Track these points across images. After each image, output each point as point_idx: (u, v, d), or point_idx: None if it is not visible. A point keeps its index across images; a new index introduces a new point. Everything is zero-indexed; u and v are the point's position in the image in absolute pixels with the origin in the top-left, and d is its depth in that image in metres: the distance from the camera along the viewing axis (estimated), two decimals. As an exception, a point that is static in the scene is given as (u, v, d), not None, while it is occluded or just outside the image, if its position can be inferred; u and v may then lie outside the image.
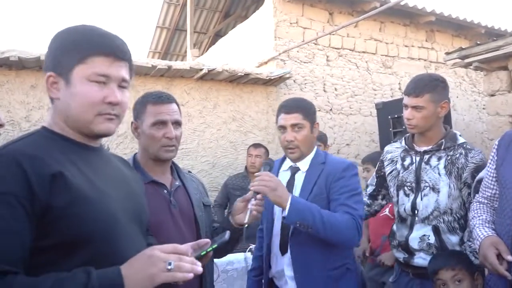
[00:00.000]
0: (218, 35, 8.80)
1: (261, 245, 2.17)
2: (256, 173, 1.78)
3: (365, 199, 2.36)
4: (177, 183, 1.72)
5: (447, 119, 3.76)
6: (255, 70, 4.90)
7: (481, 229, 1.68)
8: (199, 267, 0.97)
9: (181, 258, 0.96)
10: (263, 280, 2.09)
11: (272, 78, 4.86)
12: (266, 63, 5.42)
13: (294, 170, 2.03)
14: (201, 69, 4.45)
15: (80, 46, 1.05)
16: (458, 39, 6.67)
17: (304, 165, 2.01)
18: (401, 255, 2.13)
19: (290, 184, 1.99)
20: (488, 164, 1.79)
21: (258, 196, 1.68)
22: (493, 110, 4.21)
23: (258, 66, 5.49)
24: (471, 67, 4.29)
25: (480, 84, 6.70)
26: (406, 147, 2.17)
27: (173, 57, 9.69)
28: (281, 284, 1.99)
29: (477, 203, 1.83)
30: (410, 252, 2.07)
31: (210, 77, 4.66)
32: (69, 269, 0.93)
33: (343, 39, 5.74)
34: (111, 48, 1.07)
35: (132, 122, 1.71)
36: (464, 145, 2.05)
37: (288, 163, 2.08)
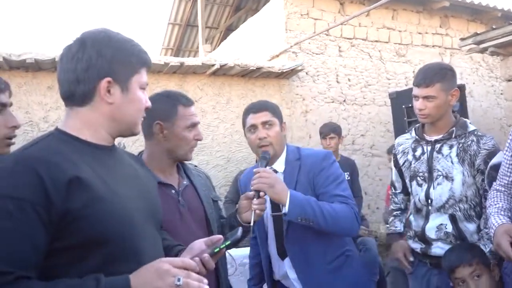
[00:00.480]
0: (229, 29, 8.80)
1: (256, 253, 2.18)
2: (255, 169, 1.76)
3: (398, 197, 2.34)
4: (185, 182, 1.72)
5: (462, 107, 3.71)
6: (267, 63, 4.90)
7: (496, 217, 1.68)
8: (205, 286, 0.98)
9: (189, 275, 0.97)
10: (265, 286, 2.11)
11: (284, 71, 4.85)
12: (278, 56, 5.41)
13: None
14: (213, 65, 4.47)
15: (137, 58, 1.16)
16: (474, 23, 6.53)
17: (279, 165, 1.98)
18: (418, 246, 2.13)
19: None
20: (504, 151, 1.77)
21: (261, 193, 1.66)
22: (511, 95, 4.13)
23: (270, 59, 5.49)
24: (487, 52, 4.21)
25: (497, 69, 6.55)
26: (417, 137, 2.17)
27: (186, 53, 9.74)
28: (289, 284, 2.01)
29: (494, 191, 1.82)
30: (427, 242, 2.07)
31: (222, 72, 4.68)
32: (86, 270, 0.96)
33: (355, 29, 5.69)
34: (149, 60, 1.21)
35: (156, 124, 1.65)
36: (475, 132, 2.05)
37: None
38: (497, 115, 6.57)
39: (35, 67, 3.89)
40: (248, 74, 4.82)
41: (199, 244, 1.27)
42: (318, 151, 2.12)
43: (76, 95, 1.11)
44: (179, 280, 0.94)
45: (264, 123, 1.93)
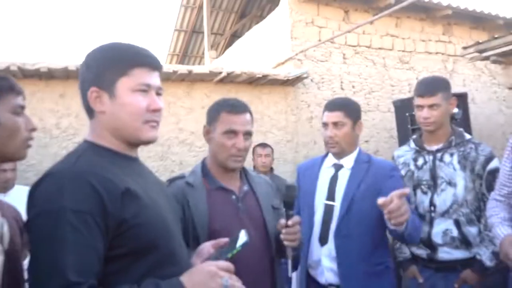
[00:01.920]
0: (234, 36, 8.92)
1: None
2: (292, 222, 1.56)
3: None
4: (245, 188, 1.70)
5: (464, 114, 3.79)
6: (273, 71, 5.00)
7: (501, 228, 1.74)
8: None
9: (231, 277, 1.04)
10: (298, 267, 2.07)
11: (290, 78, 4.94)
12: (283, 63, 5.50)
13: (338, 167, 2.10)
14: (220, 73, 4.57)
15: (121, 61, 1.11)
16: (476, 31, 6.61)
17: (348, 162, 2.08)
18: (423, 252, 2.20)
19: (334, 180, 2.07)
20: (503, 161, 1.83)
21: (289, 222, 1.56)
22: (512, 103, 4.20)
23: (275, 66, 5.58)
24: (489, 60, 4.29)
25: (500, 76, 6.63)
26: (417, 148, 2.28)
27: (191, 59, 9.85)
28: (316, 274, 2.04)
29: (494, 201, 1.88)
30: (433, 247, 2.16)
31: (229, 79, 4.78)
32: (136, 276, 1.03)
33: (359, 37, 5.77)
34: (147, 59, 1.14)
35: (204, 126, 1.71)
36: (472, 140, 2.21)
37: (331, 160, 2.14)
38: (499, 121, 6.63)
39: (48, 75, 4.00)
40: (254, 81, 4.92)
41: (207, 247, 1.31)
42: (387, 161, 2.27)
43: (84, 108, 1.18)
44: (226, 281, 1.01)
45: (334, 124, 2.03)
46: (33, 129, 1.16)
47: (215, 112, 1.67)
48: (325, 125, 2.07)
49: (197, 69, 4.50)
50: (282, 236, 1.55)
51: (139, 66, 1.12)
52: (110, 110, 1.11)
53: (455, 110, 3.76)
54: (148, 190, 1.14)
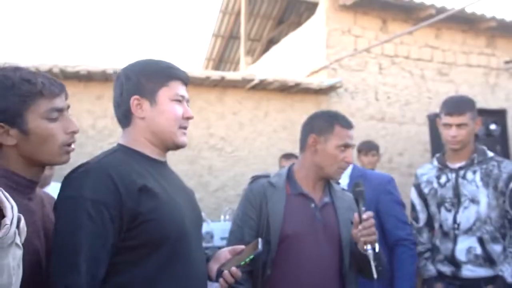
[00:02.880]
0: (271, 42, 8.94)
1: None
2: (367, 215, 1.56)
3: (424, 236, 2.34)
4: (326, 199, 1.74)
5: (503, 130, 3.64)
6: (306, 79, 4.98)
7: None
8: None
9: None
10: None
11: (323, 87, 4.91)
12: (317, 71, 5.47)
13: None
14: (253, 80, 4.59)
15: (161, 73, 1.27)
16: (523, 44, 6.33)
17: (343, 179, 2.17)
18: (447, 269, 2.22)
19: None
20: None
21: (364, 216, 1.55)
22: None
23: (309, 75, 5.55)
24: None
25: (546, 92, 6.31)
26: (440, 166, 2.32)
27: (227, 64, 9.96)
28: None
29: None
30: (457, 264, 2.18)
31: (261, 87, 4.80)
32: (148, 268, 1.12)
33: (396, 47, 5.66)
34: (182, 74, 1.31)
35: (311, 136, 1.73)
36: (495, 158, 2.25)
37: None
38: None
39: (87, 77, 4.17)
40: (287, 89, 4.92)
41: (225, 253, 1.38)
42: (382, 174, 2.44)
43: (120, 117, 1.30)
44: None
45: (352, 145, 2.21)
46: (74, 132, 1.15)
47: (327, 124, 1.72)
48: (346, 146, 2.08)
49: (229, 75, 4.56)
50: (358, 233, 1.53)
51: (175, 79, 1.28)
52: (150, 116, 1.25)
53: (493, 126, 3.63)
54: (169, 191, 1.23)
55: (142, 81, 1.25)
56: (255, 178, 1.81)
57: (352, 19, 5.52)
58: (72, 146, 1.16)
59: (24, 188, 1.08)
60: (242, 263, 1.28)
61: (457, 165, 2.25)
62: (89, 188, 1.09)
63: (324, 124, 1.73)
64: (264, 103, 4.96)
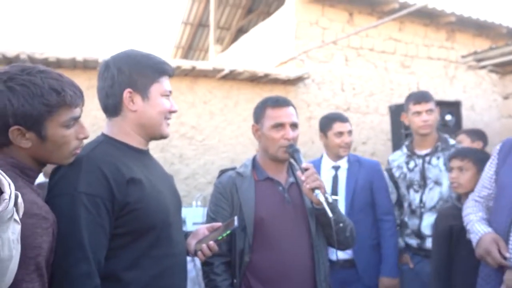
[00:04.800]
0: (240, 31, 8.99)
1: None
2: (305, 165, 1.68)
3: (394, 212, 2.61)
4: (291, 179, 1.81)
5: (457, 121, 3.90)
6: (275, 70, 5.10)
7: (480, 225, 1.84)
8: None
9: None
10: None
11: (291, 78, 5.04)
12: (285, 62, 5.59)
13: (336, 168, 2.57)
14: (223, 70, 4.67)
15: (154, 69, 1.34)
16: (480, 39, 6.67)
17: (343, 163, 2.56)
18: (414, 241, 2.52)
19: (335, 179, 2.54)
20: (488, 166, 1.94)
21: (303, 165, 1.65)
22: (507, 112, 4.29)
23: (278, 65, 5.68)
24: (486, 70, 4.37)
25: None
26: (409, 153, 2.61)
27: (196, 52, 9.94)
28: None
29: (473, 201, 2.00)
30: (422, 237, 2.47)
31: (231, 76, 4.88)
32: (136, 251, 1.22)
33: (362, 39, 5.86)
34: (169, 69, 1.39)
35: (252, 125, 1.84)
36: (456, 145, 2.52)
37: (328, 163, 2.60)
38: (498, 129, 6.70)
39: (56, 65, 4.12)
40: (256, 79, 5.02)
41: (203, 230, 1.49)
42: (372, 160, 2.85)
43: (108, 107, 1.35)
44: None
45: (349, 132, 2.57)
46: (85, 138, 1.21)
47: (260, 110, 1.81)
48: (340, 134, 2.54)
49: (200, 65, 4.61)
50: (304, 181, 1.61)
51: (164, 75, 1.37)
52: (142, 110, 1.32)
53: (448, 117, 3.88)
54: (153, 180, 1.32)
55: (135, 75, 1.31)
56: (222, 172, 1.89)
57: (320, 12, 5.66)
58: (79, 150, 1.20)
59: (31, 179, 1.14)
60: (219, 237, 1.39)
61: (423, 152, 2.54)
62: (83, 183, 1.16)
63: (258, 110, 1.81)
64: (234, 92, 5.05)
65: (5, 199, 0.80)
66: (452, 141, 2.56)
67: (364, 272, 2.47)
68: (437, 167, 2.47)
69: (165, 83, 1.36)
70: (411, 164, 2.56)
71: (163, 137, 1.40)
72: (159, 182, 1.36)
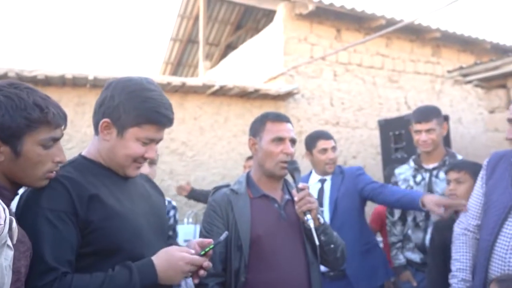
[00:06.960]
0: (229, 47, 9.06)
1: None
2: (301, 185, 1.67)
3: (397, 228, 2.63)
4: (286, 197, 1.78)
5: (446, 134, 3.94)
6: (264, 86, 5.13)
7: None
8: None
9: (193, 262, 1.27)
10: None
11: (281, 93, 5.08)
12: (275, 78, 5.64)
13: (323, 181, 2.67)
14: (213, 85, 4.69)
15: (140, 113, 1.26)
16: (464, 54, 6.82)
17: (329, 176, 2.66)
18: (417, 256, 2.51)
19: (321, 192, 2.63)
20: (476, 186, 1.93)
21: (299, 186, 1.65)
22: (493, 126, 4.37)
23: (267, 81, 5.72)
24: (472, 84, 4.46)
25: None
26: (416, 166, 2.60)
27: (185, 68, 9.97)
28: None
29: (463, 236, 1.94)
30: (426, 252, 2.41)
31: (221, 92, 4.90)
32: (107, 270, 1.19)
33: (350, 55, 5.94)
34: (162, 119, 1.30)
35: (249, 139, 1.80)
36: (463, 160, 2.48)
37: (315, 177, 2.71)
38: (484, 141, 6.80)
39: (45, 82, 4.10)
40: (246, 95, 5.05)
41: (193, 245, 1.42)
42: (353, 166, 2.96)
43: (94, 124, 1.34)
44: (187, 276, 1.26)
45: (333, 148, 2.68)
46: (61, 162, 1.18)
47: (260, 123, 1.78)
48: (324, 151, 2.66)
49: (190, 81, 4.62)
50: (297, 201, 1.61)
51: (152, 123, 1.28)
52: (113, 144, 1.29)
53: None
54: (124, 201, 1.30)
55: (121, 109, 1.26)
56: (216, 189, 1.83)
57: (308, 28, 5.74)
58: (54, 173, 1.17)
59: (7, 201, 1.10)
60: (202, 252, 1.35)
61: (431, 165, 2.54)
62: (46, 198, 1.16)
63: (257, 124, 1.79)
64: (224, 108, 5.06)
65: (0, 224, 0.78)
66: (459, 156, 2.56)
67: (356, 281, 2.46)
68: (444, 180, 2.43)
69: (149, 131, 1.29)
70: (418, 178, 2.56)
71: (127, 177, 1.35)
72: (133, 202, 1.33)
